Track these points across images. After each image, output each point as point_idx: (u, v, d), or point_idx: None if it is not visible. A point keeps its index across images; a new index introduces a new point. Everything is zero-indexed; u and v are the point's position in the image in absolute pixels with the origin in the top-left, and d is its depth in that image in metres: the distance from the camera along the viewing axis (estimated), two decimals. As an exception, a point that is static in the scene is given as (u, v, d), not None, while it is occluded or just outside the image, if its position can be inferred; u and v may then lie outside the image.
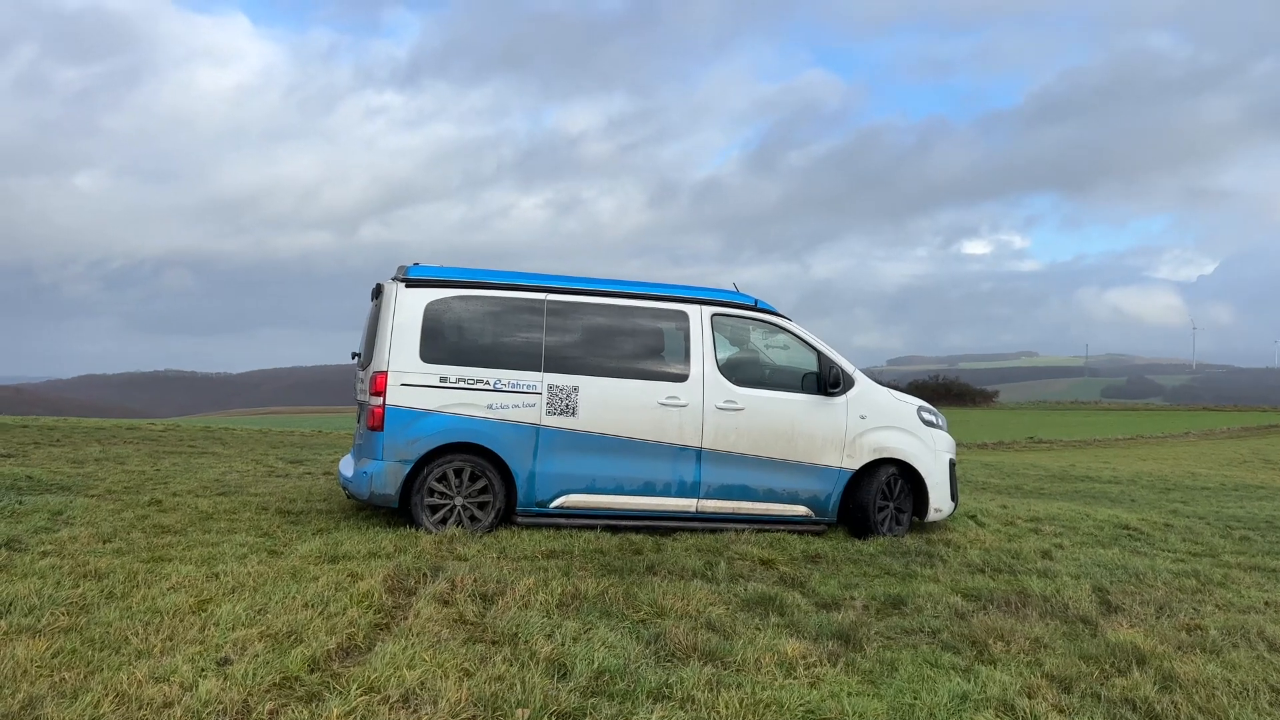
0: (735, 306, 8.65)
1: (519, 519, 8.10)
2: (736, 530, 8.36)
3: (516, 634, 5.54)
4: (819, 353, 8.73)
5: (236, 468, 12.23)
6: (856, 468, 8.67)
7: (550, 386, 8.05)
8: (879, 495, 8.68)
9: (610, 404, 8.15)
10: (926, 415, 9.07)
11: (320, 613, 5.70)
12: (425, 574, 6.71)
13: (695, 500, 8.38)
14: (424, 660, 5.02)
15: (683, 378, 8.35)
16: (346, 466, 8.68)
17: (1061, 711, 4.85)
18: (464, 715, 4.40)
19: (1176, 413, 76.30)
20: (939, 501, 8.95)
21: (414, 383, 7.85)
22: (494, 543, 7.64)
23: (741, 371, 8.56)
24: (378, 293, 8.22)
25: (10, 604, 5.60)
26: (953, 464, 9.12)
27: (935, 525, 9.36)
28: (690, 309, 8.49)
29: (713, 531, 8.33)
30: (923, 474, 8.83)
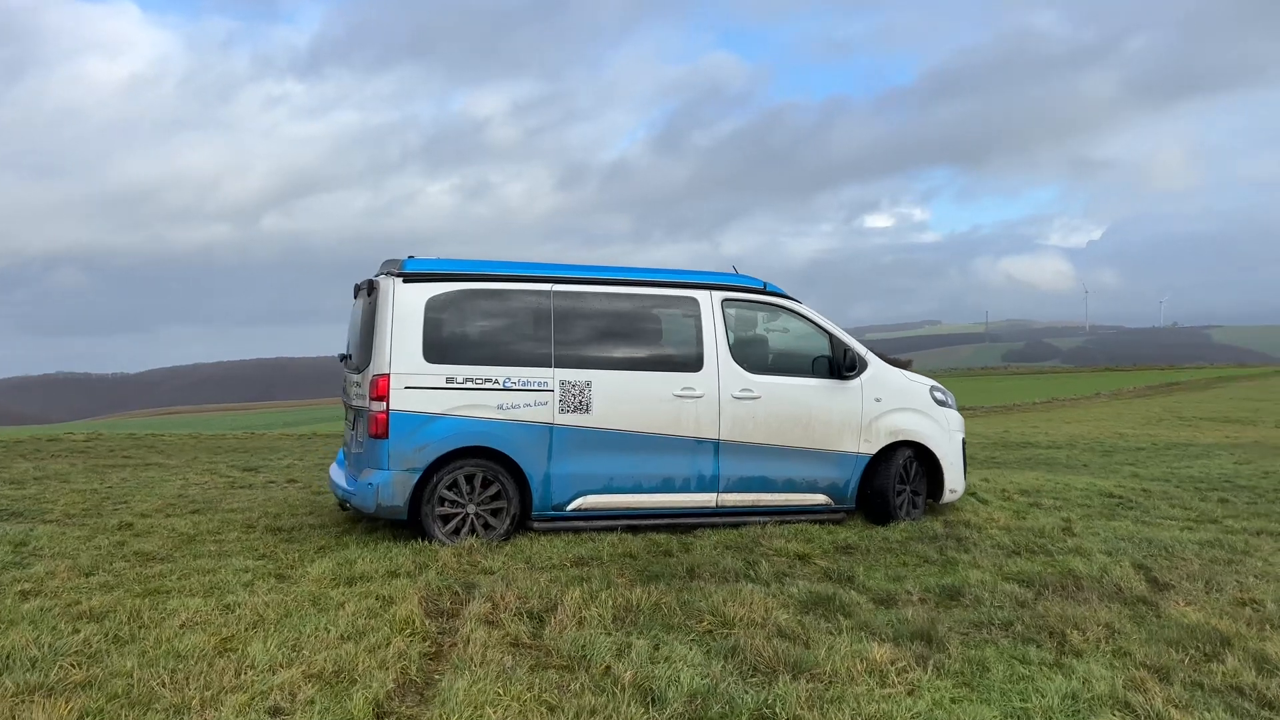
0: (745, 290, 8.29)
1: (535, 525, 7.64)
2: (759, 524, 8.04)
3: (585, 656, 5.13)
4: (830, 335, 8.44)
5: (192, 480, 11.43)
6: (874, 452, 8.42)
7: (562, 383, 7.59)
8: (897, 479, 8.45)
9: (625, 398, 7.73)
10: (938, 395, 8.86)
11: (362, 645, 5.20)
12: (457, 592, 6.25)
13: (715, 495, 8.03)
14: (499, 695, 4.59)
15: (697, 367, 7.96)
16: (340, 476, 8.09)
17: (1180, 707, 4.63)
18: (574, 759, 3.99)
19: (1081, 374, 78.70)
20: (953, 482, 8.77)
21: (419, 385, 7.30)
22: (516, 552, 7.18)
23: (754, 358, 8.22)
24: (370, 289, 7.62)
25: (9, 657, 4.96)
26: (964, 443, 8.94)
27: (947, 506, 9.18)
28: (700, 295, 8.10)
29: (734, 526, 8.00)
30: (938, 455, 8.63)
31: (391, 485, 7.24)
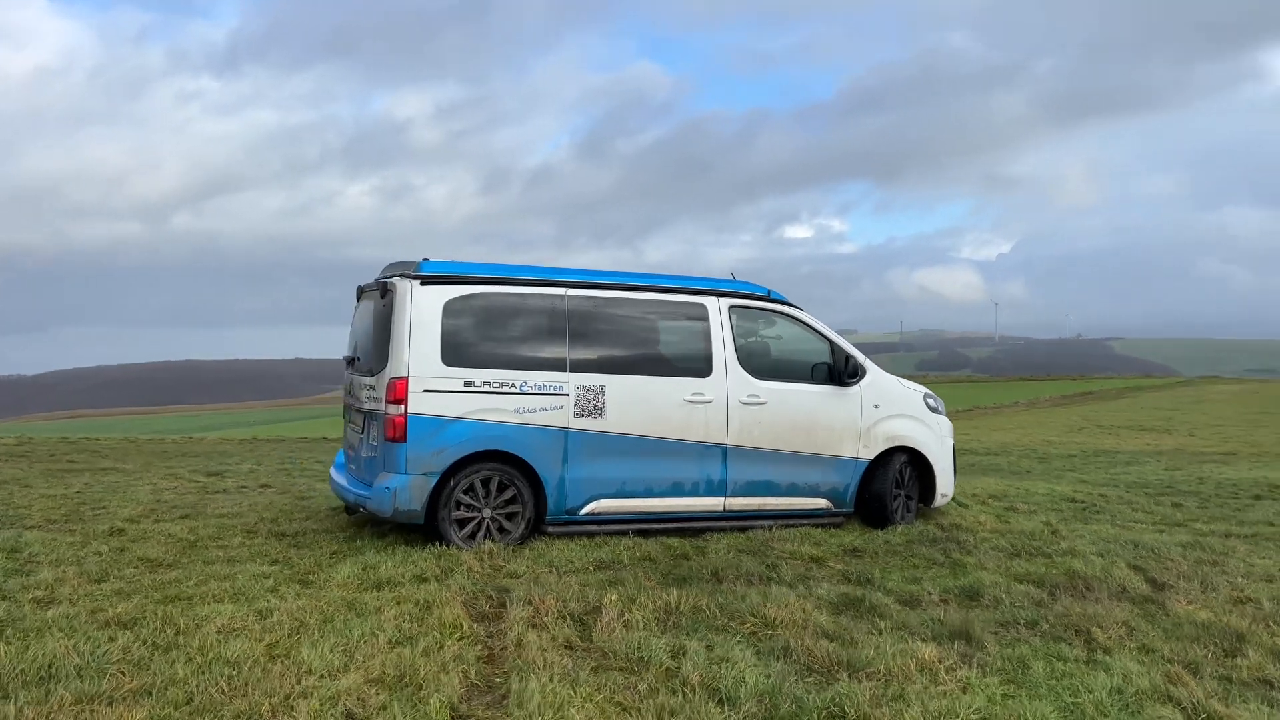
0: (750, 298, 8.41)
1: (550, 529, 7.63)
2: (765, 527, 8.16)
3: (643, 658, 5.17)
4: (831, 342, 8.61)
5: (161, 485, 11.10)
6: (872, 457, 8.61)
7: (577, 387, 7.61)
8: (893, 484, 8.65)
9: (637, 403, 7.78)
10: (930, 401, 9.10)
11: (416, 650, 5.17)
12: (490, 596, 6.23)
13: (722, 499, 8.12)
14: (574, 696, 4.61)
15: (706, 373, 8.06)
16: (346, 480, 7.97)
17: (1220, 699, 4.86)
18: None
19: (996, 383, 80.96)
20: (944, 487, 9.01)
21: (437, 388, 7.24)
22: (537, 556, 7.16)
23: (759, 364, 8.34)
24: (384, 291, 7.52)
25: (51, 666, 4.81)
26: (954, 449, 9.20)
27: (935, 510, 9.41)
28: (708, 301, 8.20)
29: (741, 530, 8.11)
30: (931, 461, 8.86)
31: (409, 489, 7.18)
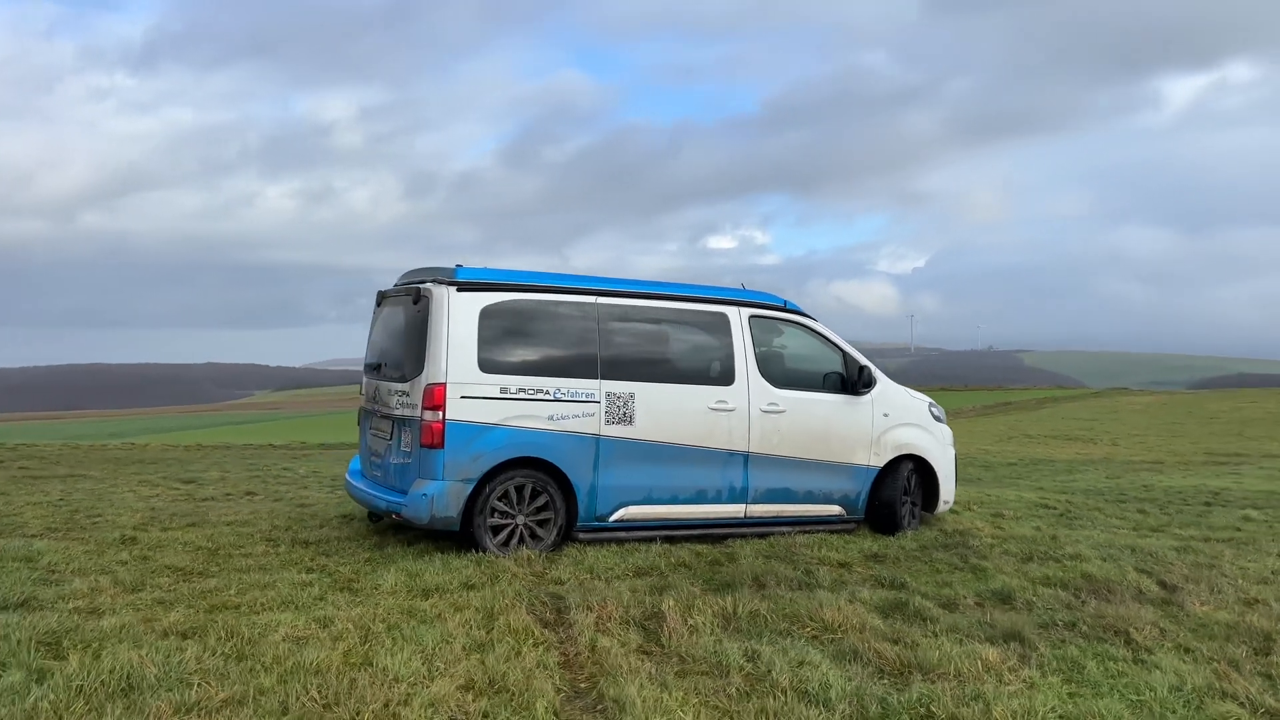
0: (768, 308, 8.56)
1: (580, 535, 7.66)
2: (784, 534, 8.30)
3: (721, 662, 5.26)
4: (844, 353, 8.80)
5: (142, 493, 10.79)
6: (882, 465, 8.82)
7: (608, 394, 7.65)
8: (902, 491, 8.88)
9: (665, 410, 7.86)
10: (934, 411, 9.36)
11: (496, 656, 5.17)
12: (544, 602, 6.24)
13: (744, 505, 8.24)
14: (673, 701, 4.67)
15: (729, 381, 8.17)
16: (368, 486, 7.89)
17: (1271, 695, 5.13)
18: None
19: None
20: (947, 494, 9.27)
21: (474, 394, 7.22)
22: (574, 563, 7.19)
23: (777, 373, 8.48)
24: (417, 298, 7.46)
25: (129, 677, 4.68)
26: (955, 457, 9.47)
27: (935, 517, 9.66)
28: (730, 311, 8.32)
29: (761, 536, 8.23)
30: (935, 468, 9.11)
31: (446, 496, 7.14)
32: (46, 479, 12.13)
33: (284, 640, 5.31)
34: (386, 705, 4.52)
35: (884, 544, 8.33)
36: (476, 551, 7.23)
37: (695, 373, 8.15)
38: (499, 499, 7.34)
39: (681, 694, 4.77)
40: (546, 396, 7.45)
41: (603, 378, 7.67)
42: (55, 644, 5.13)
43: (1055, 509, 11.60)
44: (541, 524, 7.52)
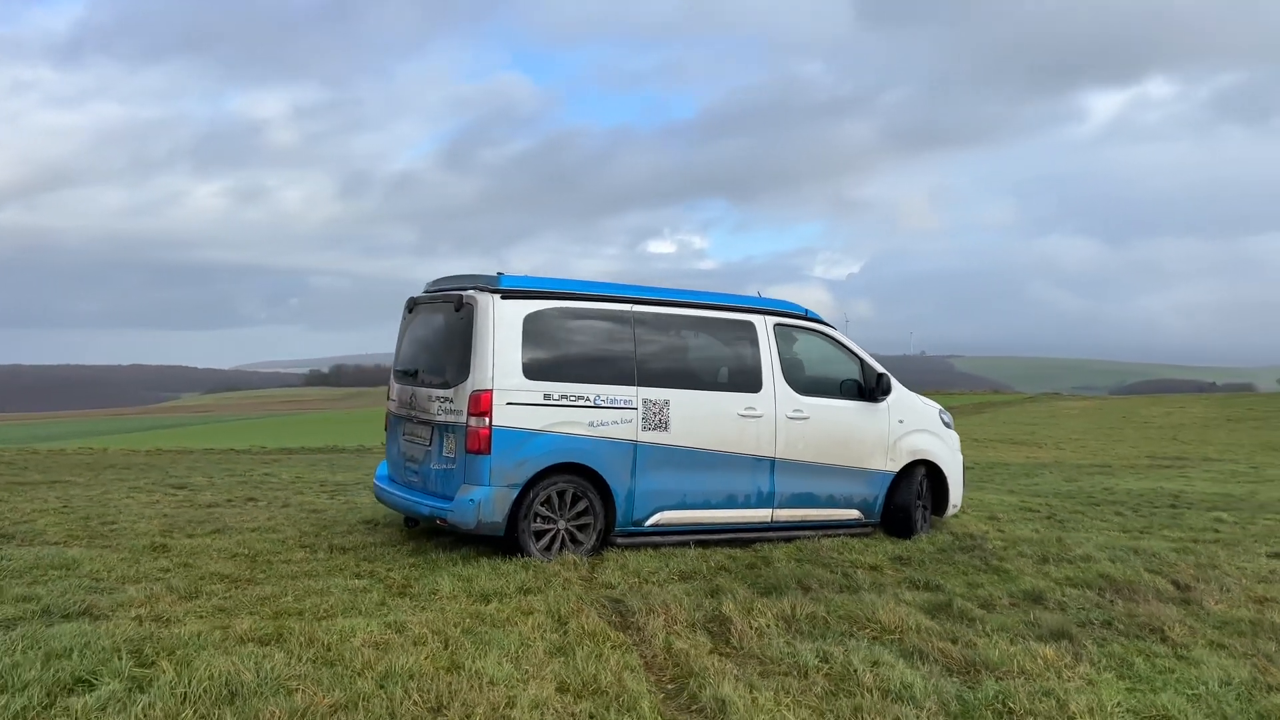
0: (791, 316, 8.76)
1: (618, 540, 7.78)
2: (809, 537, 8.50)
3: (799, 663, 5.41)
4: (862, 360, 9.04)
5: (140, 499, 10.62)
6: (897, 470, 9.07)
7: (645, 401, 7.78)
8: (916, 495, 9.14)
9: (697, 417, 8.01)
10: (945, 417, 9.65)
11: (582, 659, 5.28)
12: (605, 606, 6.35)
13: (770, 510, 8.43)
14: (765, 700, 4.82)
15: (756, 388, 8.35)
16: (403, 492, 7.92)
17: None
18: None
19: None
20: (956, 498, 9.56)
21: (519, 401, 7.30)
22: (620, 567, 7.30)
23: (800, 380, 8.68)
24: (459, 305, 7.51)
25: (227, 684, 4.70)
26: (962, 463, 9.77)
27: (941, 521, 9.94)
28: (756, 319, 8.50)
29: (787, 540, 8.42)
30: (946, 473, 9.39)
31: (492, 501, 7.20)
32: (33, 485, 11.85)
33: (365, 646, 5.34)
34: (495, 708, 4.60)
35: (905, 548, 8.57)
36: (520, 556, 7.30)
37: (726, 380, 8.33)
38: (541, 504, 7.43)
39: (771, 694, 4.92)
40: (587, 403, 7.55)
41: (639, 384, 7.79)
42: (137, 652, 5.09)
43: (1040, 512, 11.96)
44: (581, 529, 7.63)
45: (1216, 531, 10.92)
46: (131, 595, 6.17)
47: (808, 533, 8.58)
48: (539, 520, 7.45)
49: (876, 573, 7.63)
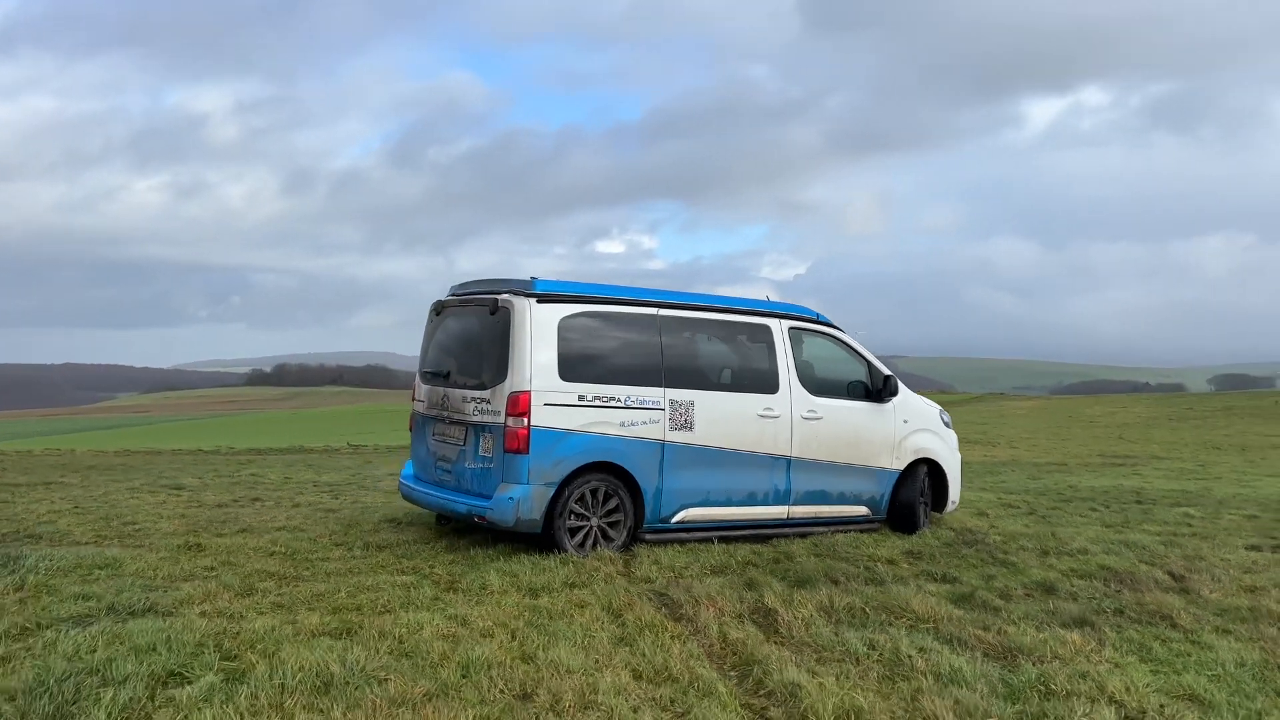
0: (803, 320, 9.09)
1: (646, 536, 8.03)
2: (822, 533, 8.83)
3: (850, 651, 5.71)
4: (869, 363, 9.40)
5: (147, 500, 10.62)
6: (902, 468, 9.45)
7: (671, 402, 8.05)
8: (919, 493, 9.52)
9: (720, 417, 8.30)
10: (945, 417, 10.05)
11: (648, 647, 5.53)
12: (651, 599, 6.60)
13: (787, 507, 8.74)
14: (831, 684, 5.10)
15: (774, 389, 8.66)
16: (435, 490, 8.10)
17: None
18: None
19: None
20: (955, 495, 9.97)
21: (556, 402, 7.53)
22: (654, 562, 7.54)
23: (813, 382, 9.00)
24: (494, 308, 7.71)
25: (318, 675, 4.87)
26: (960, 461, 10.18)
27: (944, 516, 10.33)
28: (771, 323, 8.81)
29: (802, 536, 8.74)
30: (946, 471, 9.79)
31: (531, 499, 7.42)
32: (28, 486, 11.77)
33: (436, 638, 5.53)
34: (581, 694, 4.83)
35: (913, 543, 8.93)
36: (556, 553, 7.53)
37: (745, 381, 8.63)
38: (576, 502, 7.67)
39: (834, 679, 5.21)
40: (618, 404, 7.80)
41: (666, 386, 8.06)
42: (218, 646, 5.23)
43: (1021, 508, 12.42)
44: (612, 525, 7.88)
45: (1189, 526, 11.42)
46: (189, 593, 6.28)
47: (821, 529, 8.91)
48: (573, 517, 7.68)
49: (894, 566, 7.97)
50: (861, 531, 9.17)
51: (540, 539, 7.65)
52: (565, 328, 7.68)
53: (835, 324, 9.38)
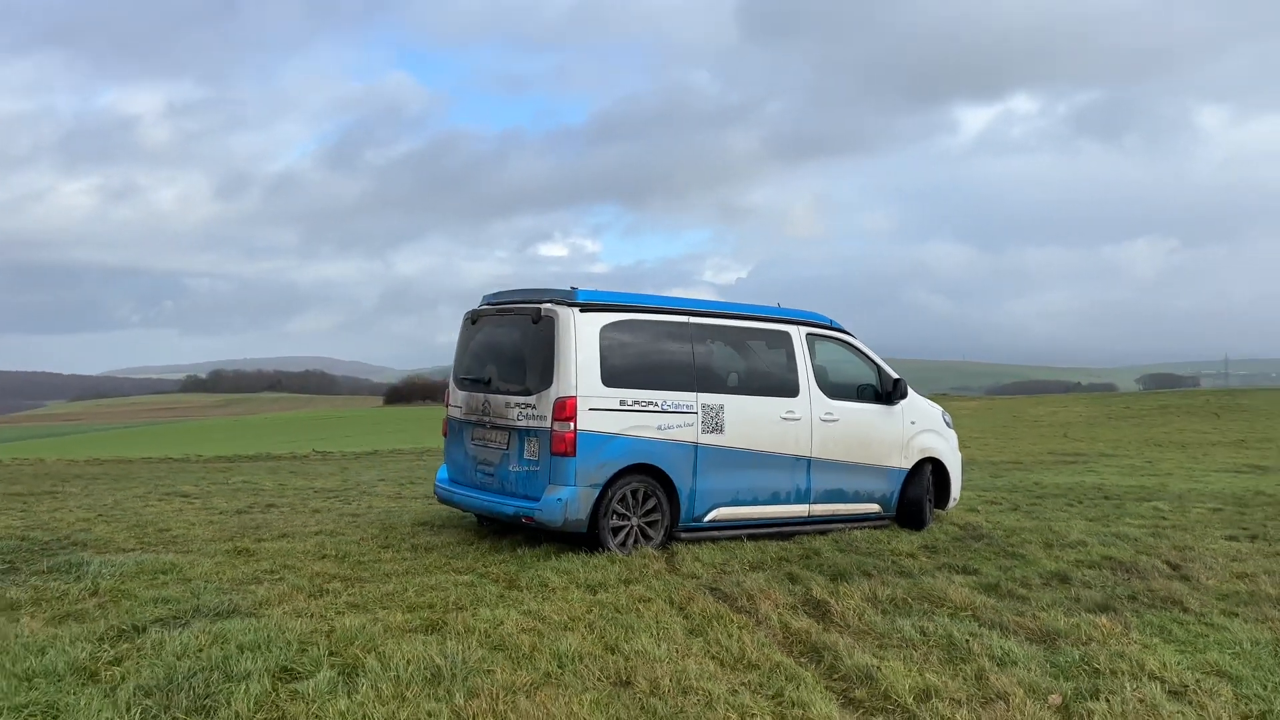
0: (819, 326, 9.52)
1: (681, 535, 8.38)
2: (841, 530, 9.27)
3: (905, 637, 6.09)
4: (878, 367, 9.86)
5: (164, 508, 10.70)
6: (909, 467, 9.92)
7: (704, 406, 8.42)
8: (925, 490, 10.00)
9: (747, 420, 8.68)
10: (946, 418, 10.55)
11: (720, 636, 5.86)
12: (705, 593, 6.94)
13: (808, 505, 9.16)
14: (901, 668, 5.48)
15: (795, 393, 9.07)
16: (485, 493, 8.36)
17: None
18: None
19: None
20: (956, 493, 10.48)
21: (600, 407, 7.85)
22: (695, 559, 7.88)
23: (829, 385, 9.43)
24: (537, 317, 8.01)
25: (426, 667, 5.13)
26: (961, 460, 10.69)
27: (946, 513, 10.81)
28: (791, 329, 9.23)
29: (822, 533, 9.16)
30: (949, 470, 10.29)
31: (578, 500, 7.73)
32: (35, 496, 11.75)
33: (520, 632, 5.81)
34: (676, 680, 5.14)
35: (924, 538, 9.39)
36: (601, 551, 7.84)
37: (769, 385, 9.03)
38: (618, 502, 7.99)
39: (900, 663, 5.59)
40: (656, 408, 8.15)
41: (698, 390, 8.42)
42: (321, 644, 5.44)
43: (1004, 504, 12.99)
44: (650, 524, 8.22)
45: (1164, 519, 11.99)
46: (264, 595, 6.48)
47: (837, 526, 9.34)
48: (615, 517, 8.01)
49: (915, 560, 8.41)
50: (874, 528, 9.62)
51: (584, 538, 7.97)
52: (606, 335, 8.01)
53: (847, 330, 9.82)
